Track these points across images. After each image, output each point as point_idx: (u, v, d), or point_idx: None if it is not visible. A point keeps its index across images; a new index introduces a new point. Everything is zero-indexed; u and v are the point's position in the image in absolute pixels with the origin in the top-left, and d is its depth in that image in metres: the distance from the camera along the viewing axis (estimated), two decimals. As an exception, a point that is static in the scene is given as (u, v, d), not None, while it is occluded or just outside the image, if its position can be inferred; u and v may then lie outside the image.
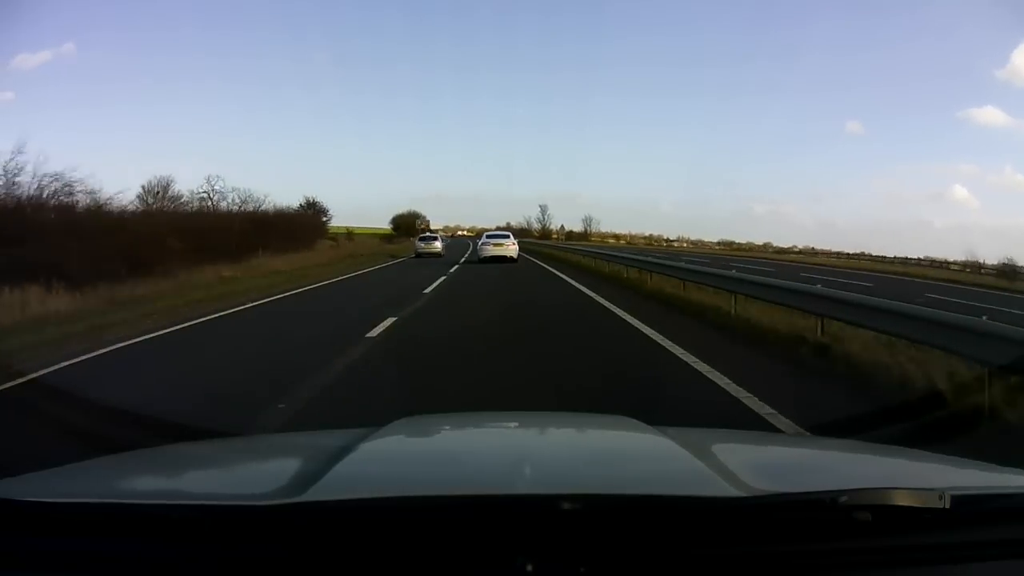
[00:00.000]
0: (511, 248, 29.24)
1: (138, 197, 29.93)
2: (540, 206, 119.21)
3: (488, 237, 31.29)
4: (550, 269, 24.98)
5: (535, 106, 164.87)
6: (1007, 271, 36.82)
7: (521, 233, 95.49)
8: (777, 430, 4.49)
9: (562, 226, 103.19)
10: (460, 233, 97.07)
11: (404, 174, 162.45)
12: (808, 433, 4.37)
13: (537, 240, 72.61)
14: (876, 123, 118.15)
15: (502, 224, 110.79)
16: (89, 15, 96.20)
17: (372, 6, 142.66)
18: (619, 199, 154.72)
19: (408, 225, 78.28)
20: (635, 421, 1.89)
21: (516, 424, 2.21)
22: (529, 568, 1.00)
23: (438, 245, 36.43)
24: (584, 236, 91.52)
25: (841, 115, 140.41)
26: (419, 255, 34.65)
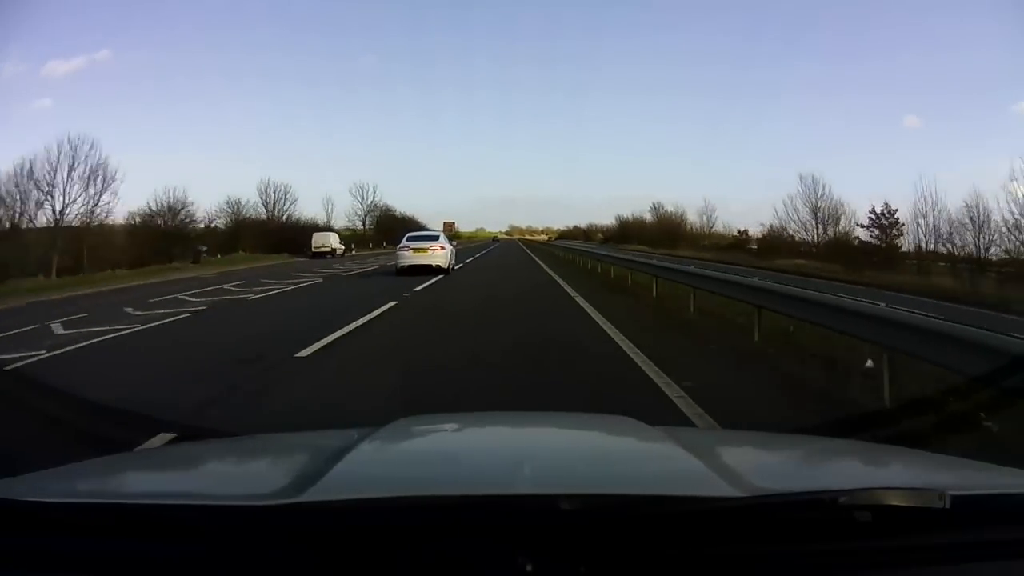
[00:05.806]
0: (438, 254, 21.50)
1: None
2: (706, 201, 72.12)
3: (408, 240, 22.61)
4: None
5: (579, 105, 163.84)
6: None
7: (667, 241, 59.74)
8: None
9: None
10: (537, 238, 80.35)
11: (495, 176, 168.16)
12: (808, 433, 4.38)
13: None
14: (933, 116, 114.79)
15: (602, 224, 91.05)
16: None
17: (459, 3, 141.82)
18: (690, 201, 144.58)
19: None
20: (635, 421, 1.89)
21: (516, 424, 2.21)
22: (529, 568, 1.00)
23: None
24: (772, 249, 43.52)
25: (899, 109, 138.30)
26: None
